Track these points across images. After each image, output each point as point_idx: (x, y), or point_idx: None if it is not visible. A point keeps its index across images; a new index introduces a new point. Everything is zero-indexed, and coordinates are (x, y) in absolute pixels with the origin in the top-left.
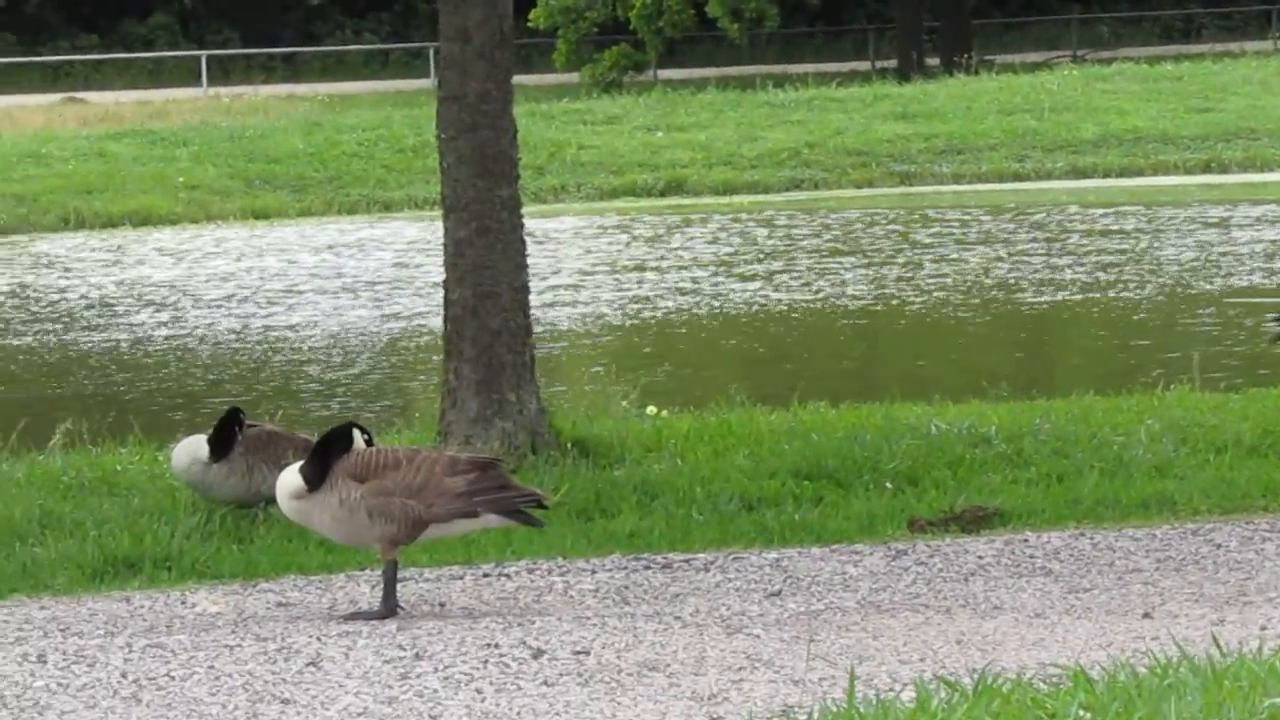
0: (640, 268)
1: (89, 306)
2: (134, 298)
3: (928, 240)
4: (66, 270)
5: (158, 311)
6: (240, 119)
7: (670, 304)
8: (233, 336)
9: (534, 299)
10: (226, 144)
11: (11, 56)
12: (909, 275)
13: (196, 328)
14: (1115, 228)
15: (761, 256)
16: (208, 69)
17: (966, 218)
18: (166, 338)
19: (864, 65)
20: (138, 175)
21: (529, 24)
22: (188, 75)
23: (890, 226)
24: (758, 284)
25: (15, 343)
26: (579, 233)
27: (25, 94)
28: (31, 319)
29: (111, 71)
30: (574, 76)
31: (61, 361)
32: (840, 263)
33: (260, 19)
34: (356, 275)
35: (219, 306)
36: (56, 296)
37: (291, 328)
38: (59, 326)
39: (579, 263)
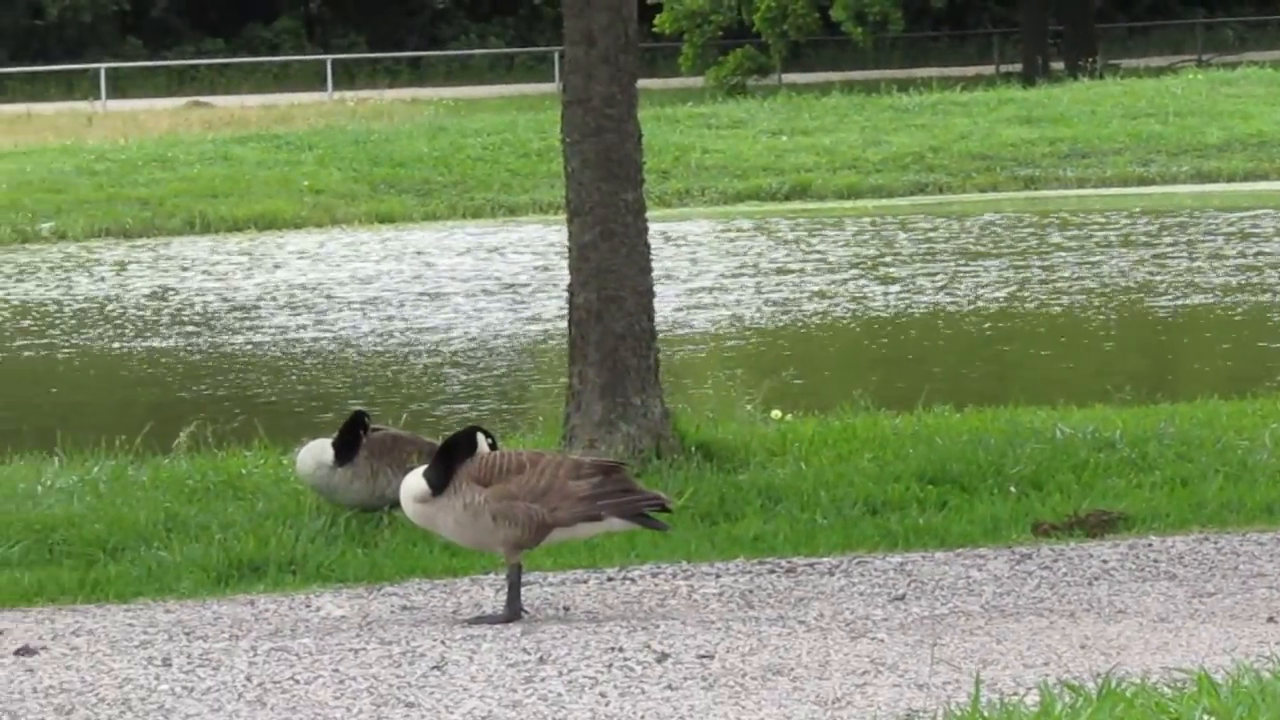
0: (781, 270)
1: (230, 309)
2: (272, 300)
3: (1065, 243)
4: (205, 273)
5: (294, 314)
6: (365, 123)
7: (810, 307)
8: (365, 340)
9: (675, 301)
10: (351, 148)
11: (138, 61)
12: (1047, 278)
13: (330, 331)
14: (1254, 230)
15: (901, 259)
16: (333, 73)
17: (1104, 220)
18: (299, 341)
19: (988, 69)
20: (263, 179)
21: (654, 28)
22: (313, 79)
23: (1027, 229)
24: (897, 287)
25: (157, 344)
26: (719, 235)
27: (151, 98)
28: (172, 321)
29: (237, 76)
30: (699, 80)
31: (193, 364)
32: (980, 265)
33: (385, 23)
34: (498, 278)
35: (356, 309)
36: (197, 299)
37: (425, 331)
38: (199, 329)
39: (719, 265)
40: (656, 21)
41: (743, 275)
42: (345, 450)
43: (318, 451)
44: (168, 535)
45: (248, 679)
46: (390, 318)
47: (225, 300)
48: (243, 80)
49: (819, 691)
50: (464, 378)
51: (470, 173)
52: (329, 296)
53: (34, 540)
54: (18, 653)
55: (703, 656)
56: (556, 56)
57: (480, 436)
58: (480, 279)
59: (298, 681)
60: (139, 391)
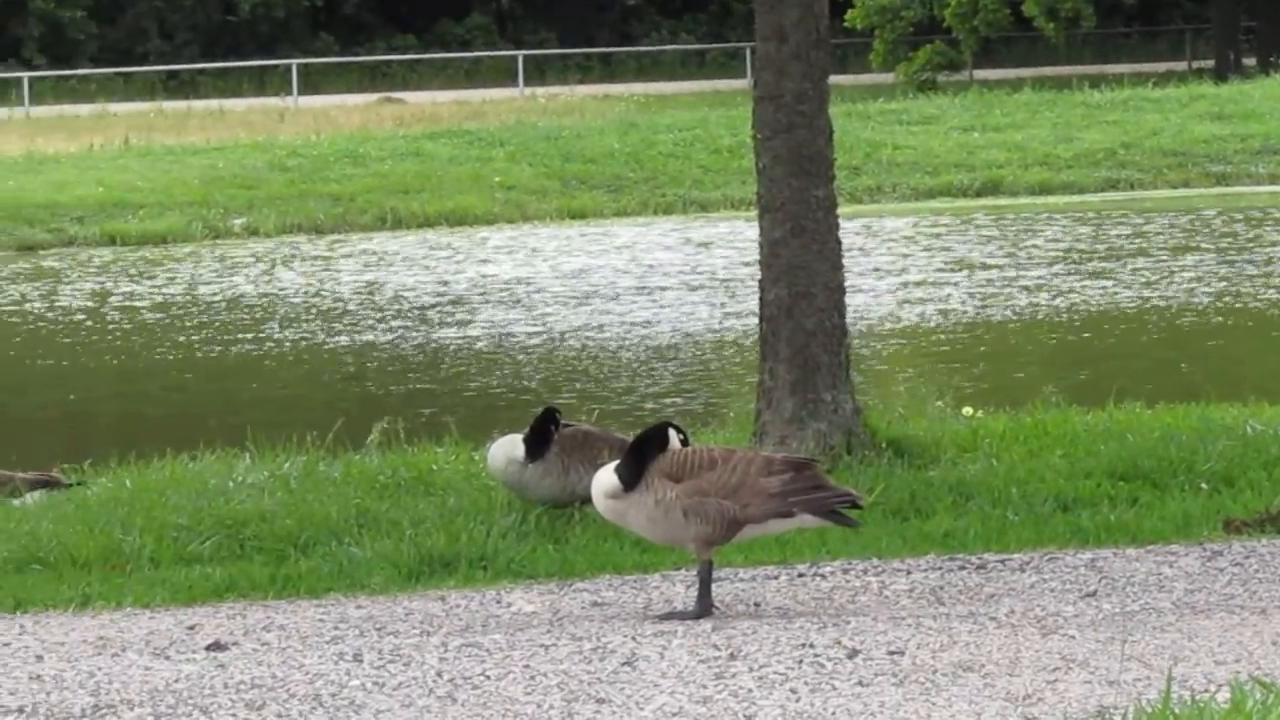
0: (975, 266)
1: (432, 304)
2: (478, 295)
3: (1267, 235)
4: (408, 268)
5: (494, 309)
6: (556, 119)
7: (1004, 303)
8: (560, 335)
9: (885, 298)
10: (543, 144)
11: (330, 57)
12: (1258, 274)
13: (527, 326)
14: None
15: (1097, 255)
16: (524, 69)
17: None
18: (499, 336)
19: (1180, 65)
20: (454, 175)
21: (845, 24)
22: (504, 75)
23: (1235, 225)
24: (1093, 282)
25: (356, 339)
26: (923, 231)
27: (343, 94)
28: (373, 316)
29: (428, 72)
30: (890, 77)
31: (390, 360)
32: (1192, 260)
33: (577, 19)
34: (709, 273)
35: (554, 304)
36: (405, 294)
37: (621, 327)
38: (400, 324)
39: (913, 260)
40: (848, 17)
41: (937, 271)
42: (537, 446)
43: (509, 447)
44: (359, 531)
45: (438, 674)
46: (587, 312)
47: (430, 295)
48: (434, 76)
49: (1009, 688)
50: (656, 374)
51: (662, 169)
52: (536, 291)
53: (225, 536)
54: (209, 648)
55: (893, 653)
56: (748, 53)
57: (672, 432)
58: (686, 273)
59: (488, 677)
60: (335, 387)
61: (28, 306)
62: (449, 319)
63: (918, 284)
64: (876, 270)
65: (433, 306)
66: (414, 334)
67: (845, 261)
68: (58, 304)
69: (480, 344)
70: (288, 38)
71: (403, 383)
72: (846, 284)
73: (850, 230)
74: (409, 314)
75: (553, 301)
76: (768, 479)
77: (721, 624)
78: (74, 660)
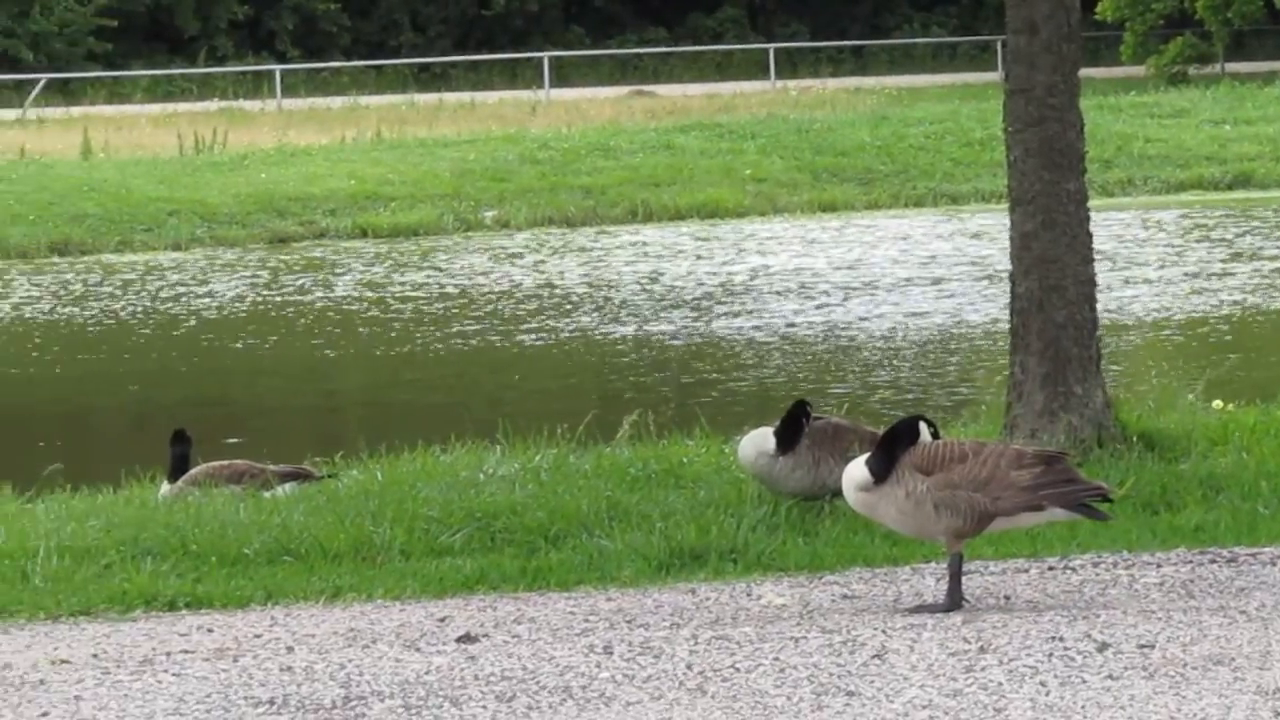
0: (1231, 258)
1: (700, 296)
2: (746, 287)
3: None
4: (678, 259)
5: (757, 301)
6: (807, 112)
7: (1261, 295)
8: (825, 326)
9: (1122, 288)
10: (794, 137)
11: (581, 50)
12: None
13: (790, 318)
14: None
15: None
16: (775, 62)
17: None
18: (755, 328)
19: None
20: (705, 168)
21: (1096, 17)
22: (755, 68)
23: None
24: None
25: (616, 331)
26: (1197, 224)
27: (595, 87)
28: (656, 307)
29: (680, 64)
30: (1141, 69)
31: (648, 351)
32: None
33: (828, 12)
34: (979, 263)
35: (821, 296)
36: (678, 284)
37: (887, 317)
38: (674, 315)
39: (1170, 254)
40: (1098, 10)
41: (1194, 264)
42: (787, 439)
43: (759, 440)
44: (609, 523)
45: (688, 667)
46: (851, 305)
47: (698, 287)
48: (685, 69)
49: (1260, 682)
50: (913, 366)
51: (912, 162)
52: (800, 284)
53: (476, 528)
54: (459, 640)
55: (1143, 646)
56: (999, 45)
57: (922, 425)
58: (959, 264)
59: (738, 670)
60: (594, 379)
61: (306, 297)
62: (714, 311)
63: (1187, 277)
64: (1138, 264)
65: (701, 299)
66: (678, 326)
67: (1109, 254)
68: (335, 293)
69: (740, 336)
70: (540, 31)
71: (658, 375)
72: (1103, 277)
73: (1122, 223)
74: (677, 305)
75: (815, 294)
76: (1018, 472)
77: (971, 617)
78: (325, 652)
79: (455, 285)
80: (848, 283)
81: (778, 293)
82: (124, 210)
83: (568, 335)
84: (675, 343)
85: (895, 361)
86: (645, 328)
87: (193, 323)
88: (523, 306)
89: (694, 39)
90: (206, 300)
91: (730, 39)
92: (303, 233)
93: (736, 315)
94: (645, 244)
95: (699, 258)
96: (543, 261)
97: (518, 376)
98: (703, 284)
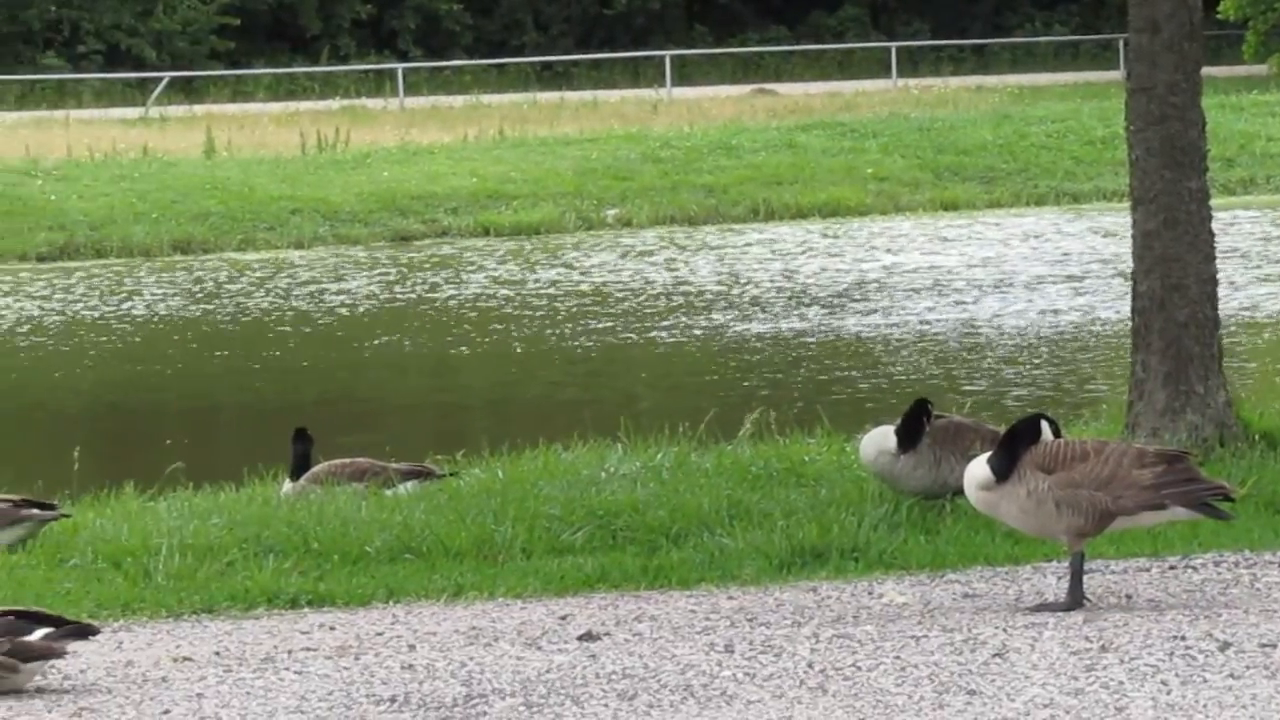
0: None
1: (827, 294)
2: (877, 284)
3: None
4: (810, 257)
5: (889, 299)
6: (929, 110)
7: None
8: (956, 324)
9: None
10: (915, 135)
11: (703, 49)
12: None
13: (921, 315)
14: None
15: None
16: (897, 61)
17: None
18: (880, 325)
19: None
20: (827, 167)
21: (1218, 15)
22: (876, 67)
23: None
24: None
25: (743, 329)
26: None
27: (716, 85)
28: (790, 304)
29: (801, 63)
30: (1263, 69)
31: (774, 349)
32: None
33: (949, 11)
34: (1114, 262)
35: (957, 294)
36: (817, 281)
37: (1020, 315)
38: (802, 312)
39: None
40: (1220, 8)
41: None
42: (908, 437)
43: (881, 439)
44: (730, 522)
45: (809, 665)
46: (980, 301)
47: (829, 284)
48: (807, 68)
49: None
50: (1042, 363)
51: (1034, 160)
52: (941, 281)
53: (597, 526)
54: (581, 638)
55: (1265, 645)
56: (1121, 44)
57: (1044, 424)
58: (1091, 262)
59: (859, 668)
60: (718, 377)
61: (437, 295)
62: (847, 308)
63: None
64: (1273, 261)
65: (833, 296)
66: (812, 323)
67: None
68: (467, 291)
69: (872, 333)
70: (661, 29)
71: (781, 373)
72: (1237, 274)
73: (1253, 220)
74: (809, 303)
75: (948, 291)
76: (1140, 471)
77: (1093, 616)
78: (446, 650)
79: (590, 283)
80: (982, 280)
81: (912, 290)
82: (246, 209)
83: (699, 333)
84: (808, 340)
85: (1027, 359)
86: (776, 325)
87: (323, 320)
88: (654, 304)
89: (816, 38)
90: (337, 297)
91: (852, 37)
92: (424, 231)
93: (870, 313)
94: (775, 241)
95: (830, 255)
96: (674, 259)
97: (644, 374)
98: (836, 281)
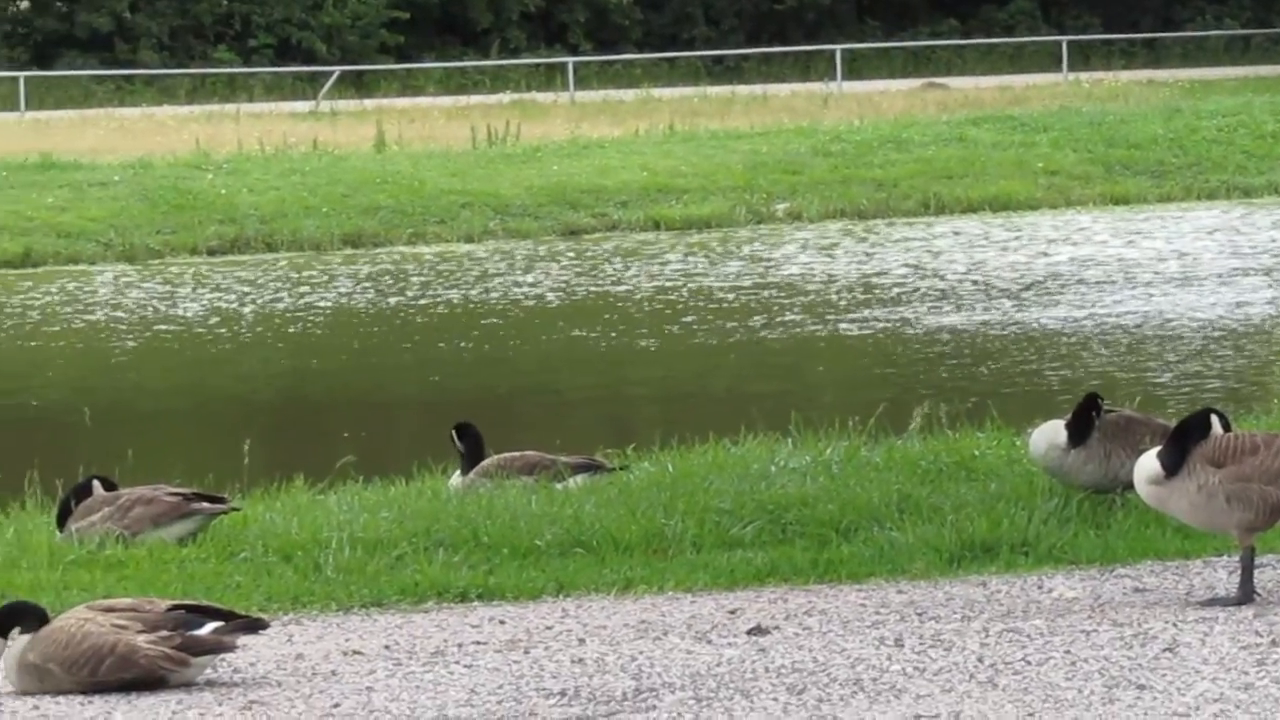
0: None
1: (1026, 285)
2: (1060, 278)
3: None
4: (996, 250)
5: (1074, 293)
6: (1100, 104)
7: None
8: (1142, 316)
9: None
10: (1086, 130)
11: (874, 42)
12: None
13: (1105, 308)
14: None
15: None
16: (1068, 54)
17: None
18: (1069, 318)
19: None
20: (997, 161)
21: None
22: (1047, 60)
23: None
24: None
25: (910, 321)
26: None
27: (887, 79)
28: (978, 295)
29: (972, 57)
30: None
31: (945, 343)
32: None
33: (1120, 4)
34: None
35: (1147, 287)
36: (1004, 273)
37: (1208, 308)
38: (983, 307)
39: None
40: None
41: None
42: (1078, 432)
43: (1051, 433)
44: (900, 516)
45: (979, 660)
46: (1170, 294)
47: (1012, 278)
48: (977, 61)
49: None
50: (1205, 359)
51: (1205, 155)
52: (1130, 273)
53: (767, 520)
54: (750, 632)
55: None
56: None
57: (1214, 418)
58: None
59: (1029, 663)
60: (886, 371)
61: (619, 287)
62: (1033, 301)
63: None
64: None
65: (1020, 289)
66: (986, 316)
67: None
68: (652, 283)
69: (1059, 326)
70: (832, 23)
71: (953, 366)
72: None
73: None
74: (995, 295)
75: (1138, 284)
76: None
77: (1263, 610)
78: (615, 644)
79: (778, 276)
80: (1172, 273)
81: (1099, 283)
82: (416, 203)
83: (878, 326)
84: (990, 333)
85: (1212, 352)
86: (957, 318)
87: (502, 313)
88: (840, 297)
89: (986, 31)
90: (517, 290)
91: (1022, 31)
92: (594, 225)
93: (1052, 305)
94: (956, 234)
95: (1009, 248)
96: (854, 251)
97: (820, 367)
98: (1020, 274)
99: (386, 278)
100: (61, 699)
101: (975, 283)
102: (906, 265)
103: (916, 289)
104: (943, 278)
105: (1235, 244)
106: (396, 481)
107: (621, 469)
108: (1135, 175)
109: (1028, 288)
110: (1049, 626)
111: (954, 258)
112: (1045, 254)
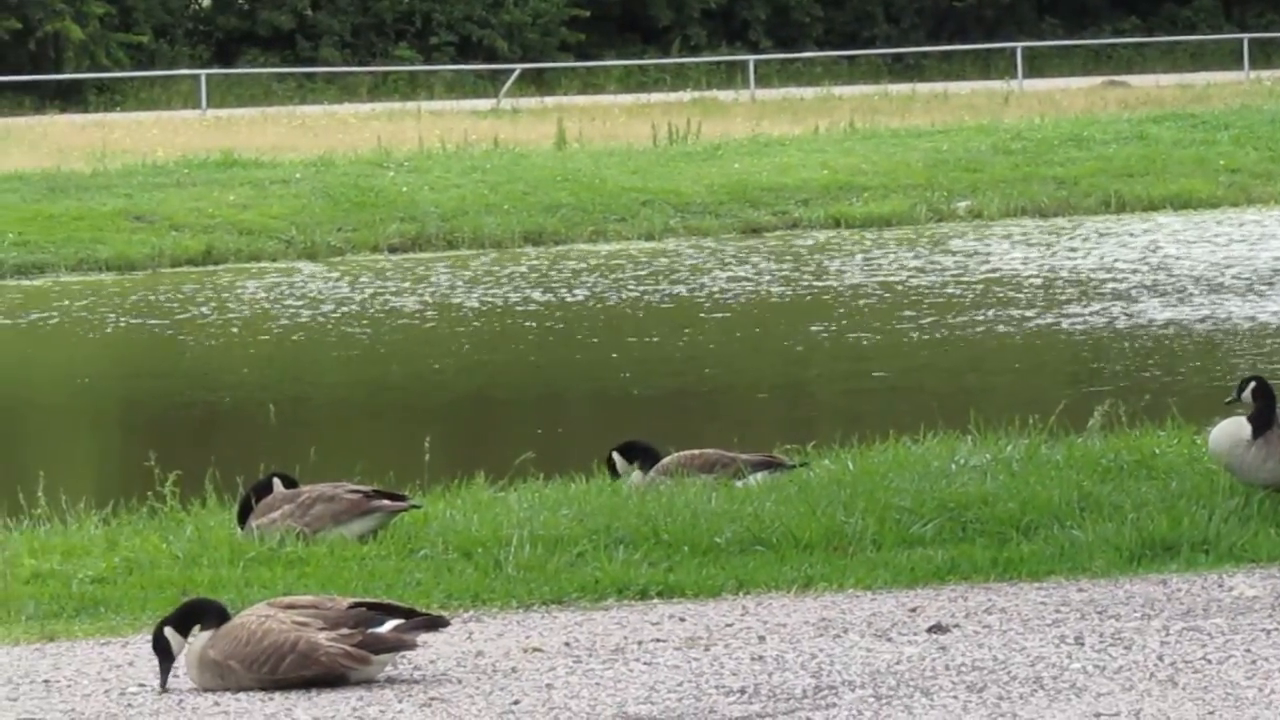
0: None
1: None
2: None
3: None
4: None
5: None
6: None
7: None
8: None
9: None
10: (1268, 128)
11: (1054, 40)
12: None
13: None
14: None
15: None
16: (1250, 52)
17: None
18: (1250, 315)
19: None
20: (1177, 159)
21: None
22: (1229, 58)
23: None
24: None
25: (1096, 318)
26: None
27: (1067, 77)
28: (1164, 293)
29: (1153, 54)
30: None
31: (1125, 340)
32: None
33: None
34: None
35: None
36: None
37: None
38: (1141, 304)
39: None
40: None
41: None
42: (1263, 421)
43: (1233, 429)
44: (1080, 514)
45: (1159, 658)
46: None
47: (1211, 274)
48: (1158, 59)
49: None
50: None
51: None
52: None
53: (947, 518)
54: (930, 630)
55: None
56: None
57: None
58: None
59: (1209, 661)
60: (1073, 366)
61: (821, 283)
62: (1227, 298)
63: None
64: None
65: (1213, 285)
66: (1181, 313)
67: None
68: (846, 281)
69: (1246, 323)
70: (1012, 21)
71: (1134, 363)
72: None
73: None
74: (1192, 292)
75: None
76: None
77: None
78: (795, 641)
79: (991, 270)
80: None
81: None
82: (597, 200)
83: (1069, 323)
84: (1199, 328)
85: None
86: (1148, 314)
87: (689, 308)
88: (1058, 293)
89: (1167, 29)
90: (709, 286)
91: (1204, 29)
92: (775, 223)
93: (1250, 301)
94: (1158, 229)
95: (1218, 243)
96: (1063, 247)
97: (1017, 365)
98: (1218, 270)
99: (571, 273)
100: (242, 695)
101: (1181, 278)
102: (1142, 258)
103: (1150, 282)
104: (1182, 270)
105: None
106: (576, 479)
107: (801, 466)
108: None
109: (1232, 284)
110: (1229, 625)
111: (1190, 249)
112: (1260, 250)
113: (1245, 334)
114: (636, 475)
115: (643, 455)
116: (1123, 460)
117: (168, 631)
